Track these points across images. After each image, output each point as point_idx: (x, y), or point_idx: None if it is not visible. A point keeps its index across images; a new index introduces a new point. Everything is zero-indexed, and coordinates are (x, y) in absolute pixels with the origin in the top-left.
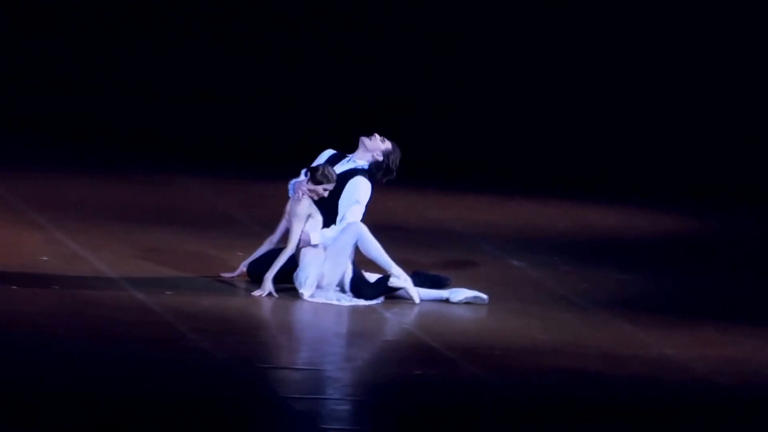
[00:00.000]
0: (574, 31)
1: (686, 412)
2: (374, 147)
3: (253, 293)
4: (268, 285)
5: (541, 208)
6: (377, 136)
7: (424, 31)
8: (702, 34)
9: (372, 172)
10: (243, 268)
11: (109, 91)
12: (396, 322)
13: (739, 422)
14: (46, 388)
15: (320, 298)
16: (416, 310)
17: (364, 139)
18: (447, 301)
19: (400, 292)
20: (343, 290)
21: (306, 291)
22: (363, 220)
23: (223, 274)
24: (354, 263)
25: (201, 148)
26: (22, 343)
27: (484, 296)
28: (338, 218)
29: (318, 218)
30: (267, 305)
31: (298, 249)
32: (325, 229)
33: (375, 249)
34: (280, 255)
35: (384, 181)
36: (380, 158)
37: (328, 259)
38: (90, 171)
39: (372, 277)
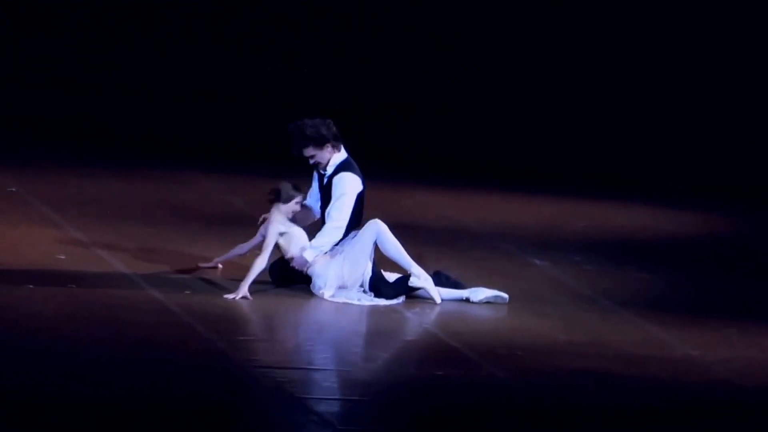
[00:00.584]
0: (592, 26)
1: (708, 413)
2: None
3: (225, 296)
4: (243, 290)
5: (562, 207)
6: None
7: (435, 31)
8: (728, 28)
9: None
10: (218, 262)
11: (121, 91)
12: (416, 321)
13: (762, 425)
14: (61, 389)
15: (341, 298)
16: (437, 309)
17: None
18: (467, 300)
19: (420, 292)
20: (364, 290)
21: (327, 291)
22: (381, 219)
23: (200, 264)
24: (374, 262)
25: (213, 147)
26: (38, 343)
27: (505, 295)
28: (326, 218)
29: (296, 232)
30: (286, 305)
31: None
32: (315, 240)
33: (394, 247)
34: (254, 265)
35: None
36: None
37: (347, 259)
38: (106, 169)
39: (392, 276)
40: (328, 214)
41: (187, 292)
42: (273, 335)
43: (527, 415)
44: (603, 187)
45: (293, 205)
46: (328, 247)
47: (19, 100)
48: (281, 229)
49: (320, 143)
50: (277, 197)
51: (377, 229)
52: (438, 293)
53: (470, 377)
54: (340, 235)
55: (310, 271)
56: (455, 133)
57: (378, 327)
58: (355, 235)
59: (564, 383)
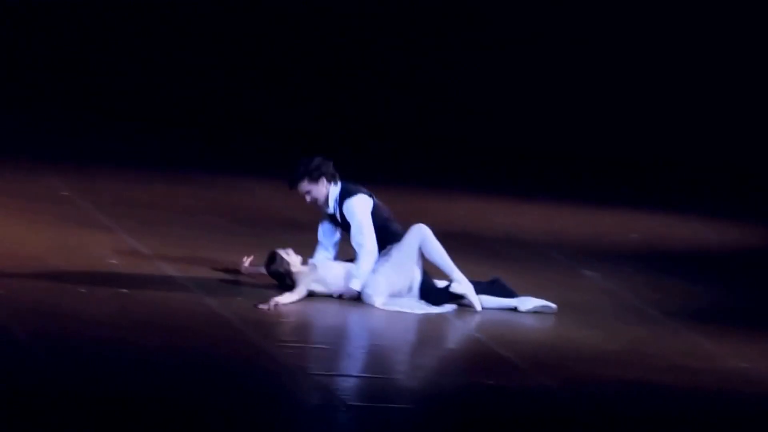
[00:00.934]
0: (647, 45)
1: (757, 425)
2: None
3: (260, 306)
4: (276, 303)
5: (613, 217)
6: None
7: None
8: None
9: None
10: (261, 269)
11: (178, 95)
12: (466, 329)
13: None
14: (114, 392)
15: (393, 306)
16: (486, 317)
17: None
18: (515, 309)
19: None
20: (414, 296)
21: (378, 299)
22: (432, 228)
23: (245, 265)
24: (423, 270)
25: (269, 151)
26: (90, 347)
27: (553, 305)
28: (355, 246)
29: (325, 272)
30: (337, 313)
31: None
32: (356, 270)
33: (437, 252)
34: (289, 294)
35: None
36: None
37: (394, 264)
38: (158, 172)
39: (441, 283)
40: (355, 242)
41: (239, 297)
42: (324, 342)
43: (576, 425)
44: (656, 197)
45: (294, 259)
46: (370, 269)
47: (76, 101)
48: (311, 286)
49: (315, 177)
50: (273, 268)
51: (421, 233)
52: (478, 301)
53: (519, 386)
54: (376, 256)
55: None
56: (507, 141)
57: (427, 335)
58: (397, 243)
59: (612, 393)
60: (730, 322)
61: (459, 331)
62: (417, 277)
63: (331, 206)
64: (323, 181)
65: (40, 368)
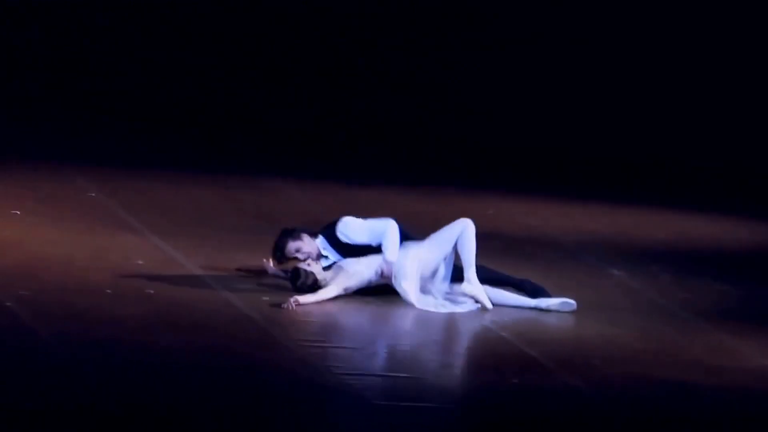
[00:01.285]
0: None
1: None
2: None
3: (282, 305)
4: (296, 301)
5: (641, 217)
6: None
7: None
8: None
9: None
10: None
11: (200, 95)
12: (492, 329)
13: None
14: (138, 394)
15: (421, 304)
16: (513, 316)
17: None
18: (536, 308)
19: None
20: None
21: (406, 282)
22: None
23: (268, 268)
24: (454, 265)
25: (294, 154)
26: (114, 348)
27: (572, 302)
28: (382, 242)
29: (356, 267)
30: (364, 312)
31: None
32: (386, 249)
33: (469, 249)
34: (315, 294)
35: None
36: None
37: (429, 246)
38: (183, 172)
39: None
40: (379, 242)
41: (265, 298)
42: (351, 342)
43: (603, 424)
44: (682, 197)
45: (315, 266)
46: (397, 241)
47: (75, 102)
48: (345, 284)
49: (295, 236)
50: (297, 278)
51: (466, 225)
52: (488, 300)
53: (546, 385)
54: (394, 227)
55: (395, 276)
56: (535, 141)
57: (454, 334)
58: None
59: (639, 392)
60: (758, 321)
61: (487, 330)
62: (444, 265)
63: (328, 254)
64: (305, 236)
65: (63, 369)
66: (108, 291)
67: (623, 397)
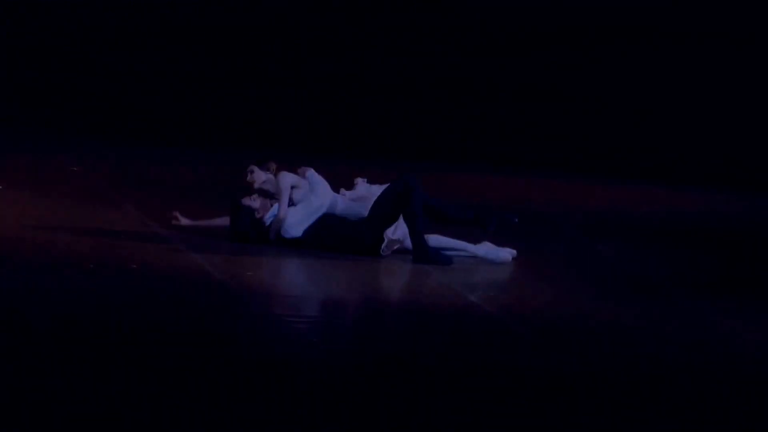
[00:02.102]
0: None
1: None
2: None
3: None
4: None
5: (628, 192)
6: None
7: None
8: None
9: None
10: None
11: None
12: (477, 302)
13: None
14: (120, 362)
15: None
16: (481, 280)
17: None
18: (476, 255)
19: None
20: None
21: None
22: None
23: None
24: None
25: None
26: (96, 322)
27: (509, 253)
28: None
29: (305, 183)
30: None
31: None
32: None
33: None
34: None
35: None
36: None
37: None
38: (175, 156)
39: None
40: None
41: (249, 273)
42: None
43: (587, 399)
44: (676, 172)
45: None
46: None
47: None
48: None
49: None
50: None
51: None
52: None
53: (529, 361)
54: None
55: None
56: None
57: (425, 305)
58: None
59: (624, 367)
60: (740, 294)
61: (460, 300)
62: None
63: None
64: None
65: (44, 345)
66: (91, 266)
67: (608, 372)
